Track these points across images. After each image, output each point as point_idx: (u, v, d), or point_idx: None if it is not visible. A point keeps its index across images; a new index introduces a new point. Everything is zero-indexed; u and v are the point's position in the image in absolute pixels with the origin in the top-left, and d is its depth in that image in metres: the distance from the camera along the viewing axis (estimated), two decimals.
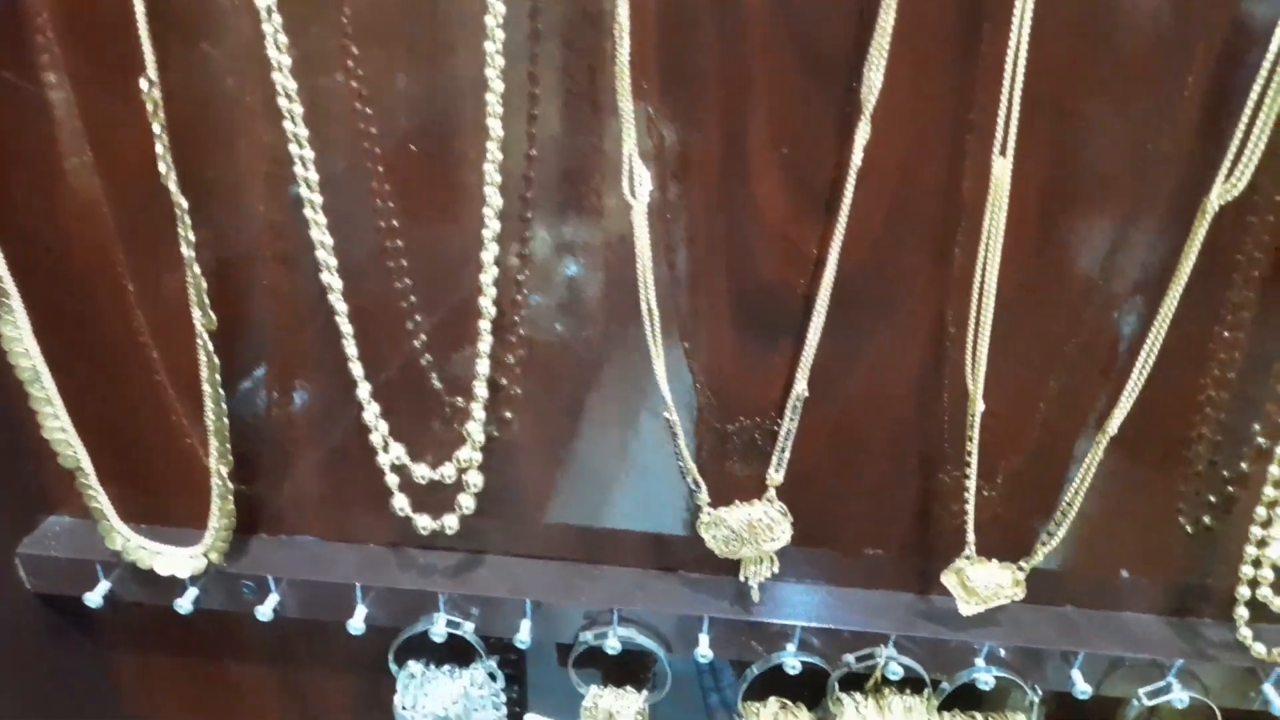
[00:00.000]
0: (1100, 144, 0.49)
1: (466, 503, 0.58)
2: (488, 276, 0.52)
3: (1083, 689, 0.60)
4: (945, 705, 0.64)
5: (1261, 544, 0.54)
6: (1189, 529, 0.60)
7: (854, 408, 0.57)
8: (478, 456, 0.57)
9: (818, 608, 0.63)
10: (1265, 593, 0.55)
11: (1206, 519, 0.59)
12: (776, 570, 0.60)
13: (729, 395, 0.58)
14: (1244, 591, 0.56)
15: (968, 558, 0.58)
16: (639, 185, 0.47)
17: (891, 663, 0.61)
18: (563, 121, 0.51)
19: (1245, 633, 0.57)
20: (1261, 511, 0.54)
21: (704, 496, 0.57)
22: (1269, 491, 0.53)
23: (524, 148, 0.51)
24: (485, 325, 0.53)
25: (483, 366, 0.54)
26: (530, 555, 0.65)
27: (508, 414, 0.60)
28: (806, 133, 0.50)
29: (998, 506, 0.59)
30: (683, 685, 0.72)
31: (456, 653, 0.66)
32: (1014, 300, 0.52)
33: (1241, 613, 0.57)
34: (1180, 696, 0.60)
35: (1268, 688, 0.60)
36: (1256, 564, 0.55)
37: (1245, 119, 0.44)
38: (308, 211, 0.51)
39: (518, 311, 0.56)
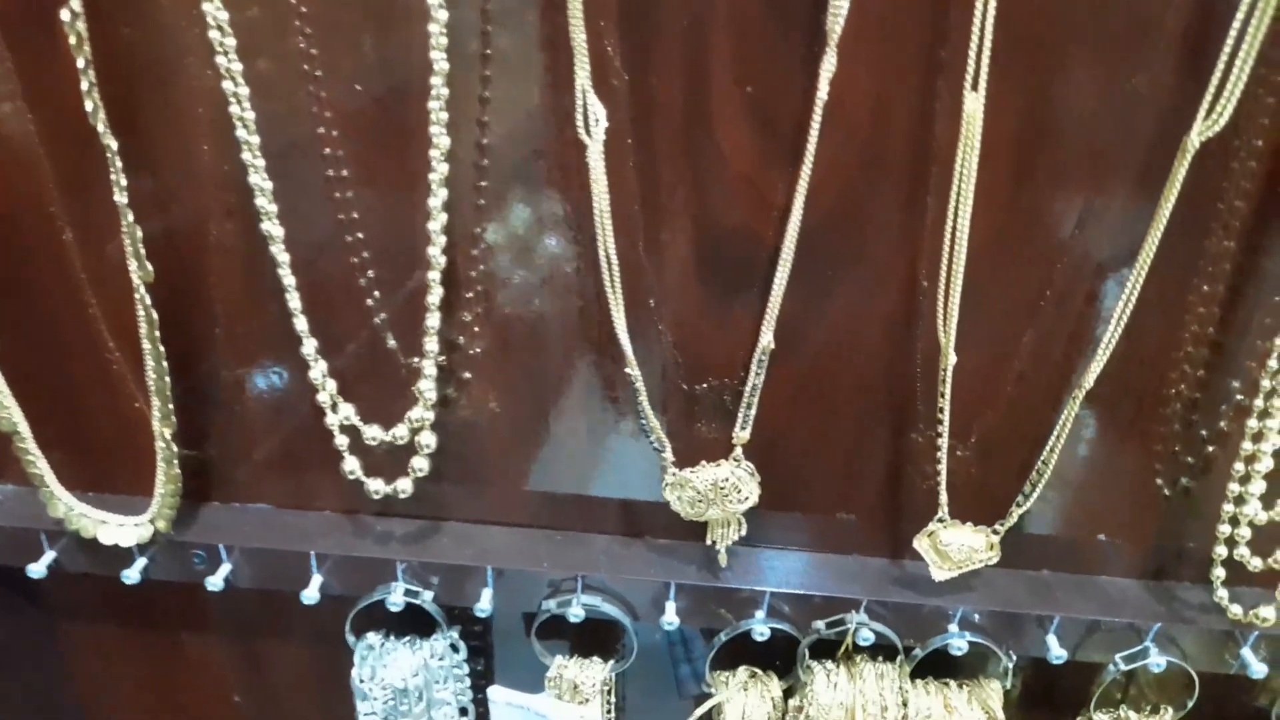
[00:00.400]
0: (1077, 82, 0.47)
1: (420, 464, 0.56)
2: (436, 224, 0.49)
3: (1058, 654, 0.59)
4: (918, 672, 0.63)
5: (1239, 501, 0.53)
6: (1167, 492, 0.58)
7: (823, 363, 0.55)
8: (430, 415, 0.55)
9: (787, 573, 0.61)
10: (1243, 552, 0.54)
11: (1184, 480, 0.58)
12: (744, 533, 0.58)
13: (694, 353, 0.56)
14: (1221, 551, 0.55)
15: (941, 521, 0.57)
16: (594, 123, 0.45)
17: (863, 629, 0.60)
18: (517, 60, 0.48)
19: (1222, 594, 0.56)
20: (1240, 468, 0.52)
21: (668, 456, 0.55)
22: (1247, 446, 0.52)
23: (477, 91, 0.49)
24: (435, 276, 0.51)
25: (433, 320, 0.52)
26: (492, 522, 0.63)
27: (466, 375, 0.57)
28: (772, 71, 0.47)
29: (971, 467, 0.58)
30: (654, 657, 0.71)
31: (417, 624, 0.64)
32: (987, 249, 0.50)
33: (1219, 573, 0.56)
34: (1157, 661, 0.59)
35: (1245, 651, 0.59)
36: (1234, 522, 0.53)
37: (1227, 52, 0.43)
38: (246, 155, 0.48)
39: (474, 266, 0.54)
